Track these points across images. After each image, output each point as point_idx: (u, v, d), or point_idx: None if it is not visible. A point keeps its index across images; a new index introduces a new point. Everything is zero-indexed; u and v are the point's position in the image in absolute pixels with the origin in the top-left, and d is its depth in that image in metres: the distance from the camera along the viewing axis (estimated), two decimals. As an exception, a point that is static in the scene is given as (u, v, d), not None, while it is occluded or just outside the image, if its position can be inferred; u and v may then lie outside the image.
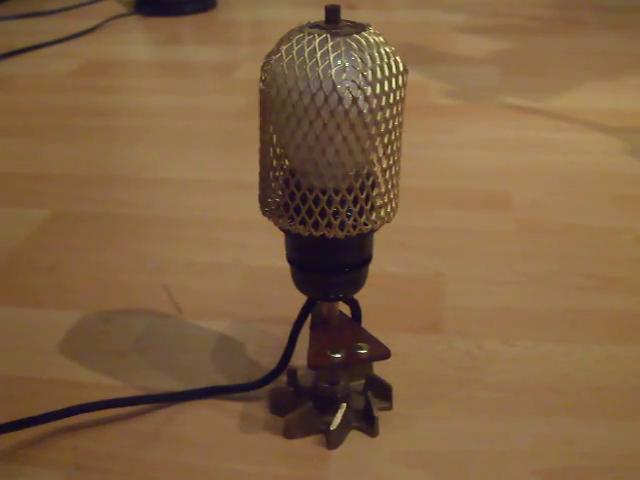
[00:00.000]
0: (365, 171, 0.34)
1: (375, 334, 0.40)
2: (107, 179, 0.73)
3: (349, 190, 0.34)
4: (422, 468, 0.39)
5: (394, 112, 0.33)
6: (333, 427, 0.40)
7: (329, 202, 0.34)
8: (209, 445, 0.41)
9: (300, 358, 0.43)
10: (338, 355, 0.39)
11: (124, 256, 0.60)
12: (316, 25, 0.33)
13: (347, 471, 0.39)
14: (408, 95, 0.34)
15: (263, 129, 0.35)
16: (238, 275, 0.57)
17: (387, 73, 0.32)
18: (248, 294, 0.54)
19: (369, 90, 0.31)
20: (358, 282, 0.38)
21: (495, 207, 0.65)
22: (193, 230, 0.63)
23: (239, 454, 0.40)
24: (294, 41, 0.32)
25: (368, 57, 0.31)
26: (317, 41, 0.31)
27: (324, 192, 0.34)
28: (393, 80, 0.32)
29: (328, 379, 0.42)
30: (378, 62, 0.31)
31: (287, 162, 0.35)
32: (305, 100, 0.31)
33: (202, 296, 0.54)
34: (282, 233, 0.37)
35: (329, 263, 0.37)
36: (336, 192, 0.34)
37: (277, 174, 0.36)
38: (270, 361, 0.46)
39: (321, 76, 0.31)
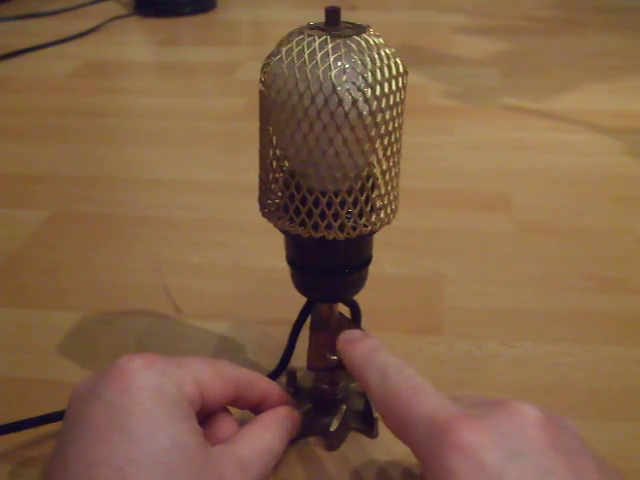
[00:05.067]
0: (365, 173, 0.34)
1: (375, 335, 0.40)
2: (107, 180, 0.73)
3: (349, 192, 0.34)
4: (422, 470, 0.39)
5: (394, 114, 0.33)
6: (332, 428, 0.40)
7: (329, 204, 0.34)
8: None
9: (300, 359, 0.43)
10: (337, 357, 0.39)
11: (124, 257, 0.60)
12: (316, 26, 0.33)
13: (347, 472, 0.39)
14: (408, 96, 0.34)
15: (263, 131, 0.35)
16: (237, 276, 0.57)
17: (387, 75, 0.32)
18: (248, 295, 0.54)
19: (369, 92, 0.31)
20: (358, 283, 0.38)
21: (495, 208, 0.65)
22: (192, 231, 0.63)
23: (239, 455, 0.40)
24: (294, 42, 0.32)
25: (368, 59, 0.31)
26: (317, 43, 0.31)
27: (324, 194, 0.34)
28: (393, 82, 0.32)
29: (327, 380, 0.42)
30: (378, 64, 0.31)
31: (287, 164, 0.35)
32: (305, 102, 0.31)
33: (202, 297, 0.54)
34: (282, 234, 0.37)
35: (329, 264, 0.37)
36: (336, 194, 0.34)
37: (277, 176, 0.36)
38: (270, 362, 0.46)
39: (321, 78, 0.31)
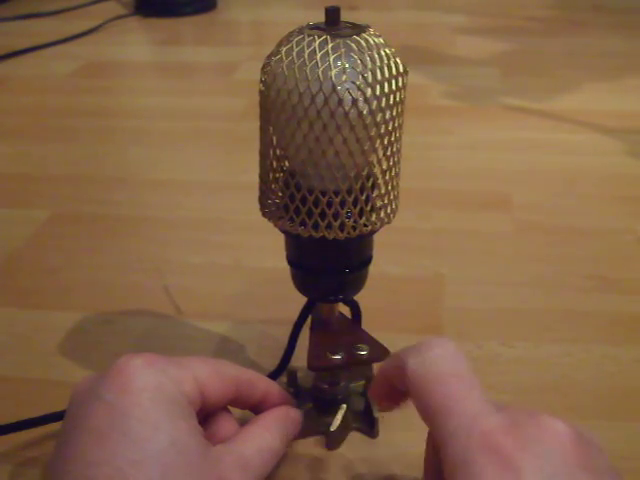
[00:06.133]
0: (365, 172, 0.34)
1: (375, 335, 0.40)
2: (107, 180, 0.73)
3: (349, 191, 0.34)
4: (423, 470, 0.39)
5: (394, 113, 0.33)
6: (333, 428, 0.40)
7: (329, 204, 0.34)
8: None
9: (300, 359, 0.43)
10: (338, 356, 0.39)
11: (124, 257, 0.60)
12: (316, 26, 0.33)
13: (347, 472, 0.39)
14: (408, 96, 0.34)
15: (263, 130, 0.35)
16: (238, 276, 0.57)
17: (387, 74, 0.32)
18: (248, 295, 0.54)
19: (369, 91, 0.31)
20: (358, 283, 0.38)
21: (495, 208, 0.65)
22: (193, 231, 0.63)
23: (239, 455, 0.40)
24: (294, 42, 0.32)
25: (368, 58, 0.31)
26: (317, 42, 0.31)
27: (324, 194, 0.34)
28: (393, 81, 0.32)
29: (328, 380, 0.42)
30: (378, 63, 0.31)
31: (287, 163, 0.35)
32: (305, 102, 0.31)
33: (202, 297, 0.54)
34: (282, 234, 0.37)
35: (329, 264, 0.37)
36: (336, 193, 0.34)
37: (277, 175, 0.36)
38: (270, 362, 0.46)
39: (321, 77, 0.31)
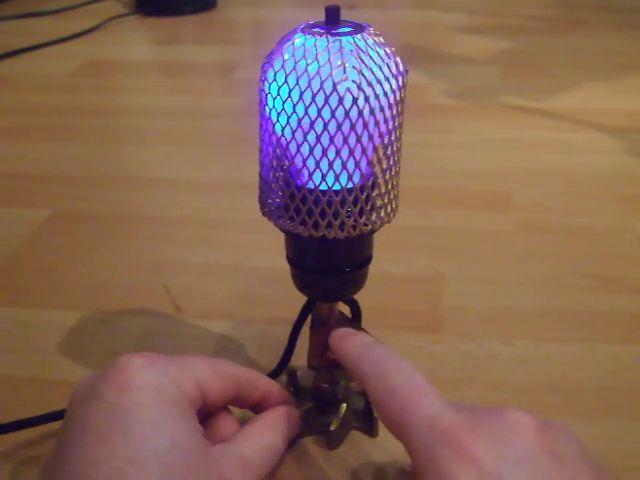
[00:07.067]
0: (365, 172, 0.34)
1: (375, 334, 0.40)
2: (106, 179, 0.73)
3: (349, 191, 0.34)
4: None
5: (394, 112, 0.33)
6: (333, 427, 0.40)
7: (329, 203, 0.34)
8: (209, 445, 0.41)
9: (300, 358, 0.43)
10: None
11: (123, 256, 0.60)
12: (316, 25, 0.33)
13: (347, 471, 0.39)
14: (408, 95, 0.34)
15: (263, 129, 0.35)
16: (238, 275, 0.57)
17: (387, 73, 0.32)
18: (248, 294, 0.54)
19: (369, 90, 0.31)
20: (358, 282, 0.38)
21: (495, 207, 0.65)
22: (193, 230, 0.63)
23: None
24: (294, 41, 0.32)
25: (368, 57, 0.31)
26: (317, 41, 0.31)
27: (324, 193, 0.34)
28: (393, 80, 0.32)
29: (328, 379, 0.42)
30: (378, 62, 0.31)
31: (287, 162, 0.35)
32: (306, 100, 0.31)
33: (202, 296, 0.54)
34: (282, 233, 0.37)
35: (329, 263, 0.37)
36: (336, 193, 0.34)
37: (277, 175, 0.36)
38: (270, 361, 0.46)
39: (321, 77, 0.31)
